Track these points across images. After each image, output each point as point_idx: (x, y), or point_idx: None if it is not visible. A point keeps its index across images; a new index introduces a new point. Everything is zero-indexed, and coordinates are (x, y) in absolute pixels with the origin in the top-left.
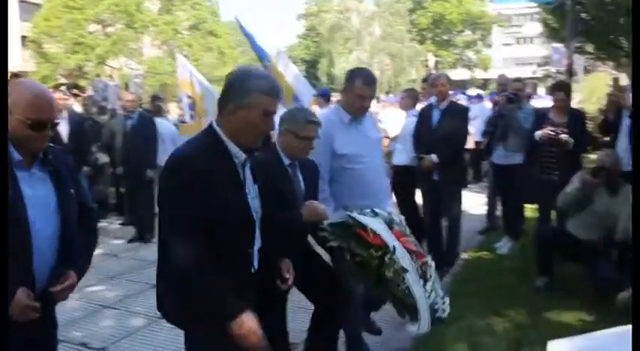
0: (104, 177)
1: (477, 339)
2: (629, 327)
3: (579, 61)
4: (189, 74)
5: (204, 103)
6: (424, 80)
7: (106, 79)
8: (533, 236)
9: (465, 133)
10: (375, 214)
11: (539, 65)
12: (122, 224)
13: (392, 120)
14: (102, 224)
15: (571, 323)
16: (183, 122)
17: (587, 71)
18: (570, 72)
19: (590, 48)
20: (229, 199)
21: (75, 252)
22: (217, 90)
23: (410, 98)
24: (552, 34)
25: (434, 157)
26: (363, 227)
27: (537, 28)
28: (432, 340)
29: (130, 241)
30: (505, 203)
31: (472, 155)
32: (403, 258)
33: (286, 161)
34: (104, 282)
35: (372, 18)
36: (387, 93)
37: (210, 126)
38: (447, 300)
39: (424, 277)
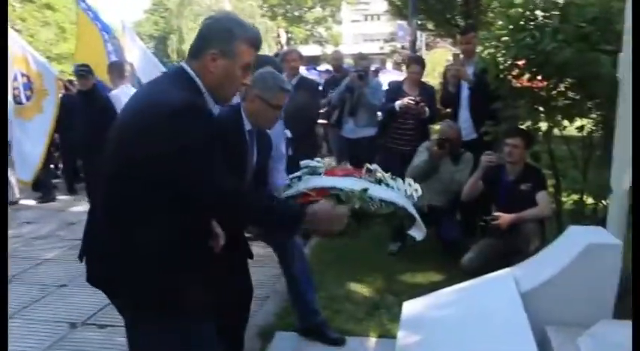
0: None
1: (338, 306)
2: (471, 282)
3: (421, 37)
4: (22, 49)
5: (43, 82)
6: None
7: None
8: None
9: (317, 108)
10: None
11: (386, 41)
12: None
13: None
14: None
15: (423, 283)
16: (19, 104)
17: (428, 47)
18: (414, 48)
19: (430, 25)
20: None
21: None
22: (57, 68)
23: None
24: (397, 11)
25: (287, 132)
26: (303, 194)
27: (383, 5)
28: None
29: None
30: None
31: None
32: (352, 185)
33: (247, 127)
34: None
35: None
36: None
37: (184, 71)
38: (412, 183)
39: (379, 182)
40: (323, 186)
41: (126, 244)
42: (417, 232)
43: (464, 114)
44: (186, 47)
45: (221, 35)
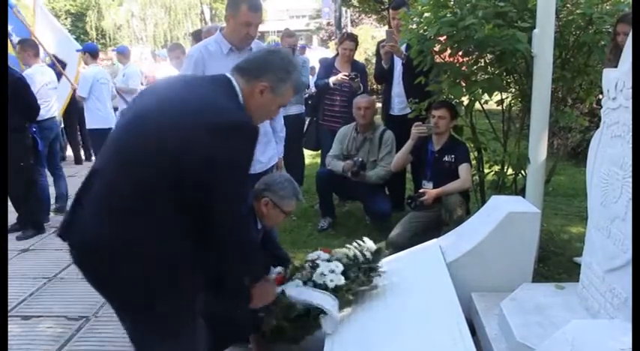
0: None
1: None
2: (399, 254)
3: (347, 14)
4: None
5: None
6: (192, 34)
7: None
8: (315, 181)
9: None
10: None
11: (312, 18)
12: None
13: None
14: None
15: None
16: None
17: (354, 24)
18: (340, 24)
19: (355, 2)
20: None
21: None
22: None
23: (183, 54)
24: None
25: None
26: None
27: None
28: None
29: None
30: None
31: None
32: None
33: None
34: None
35: None
36: (163, 47)
37: (232, 86)
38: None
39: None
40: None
41: (127, 239)
42: (329, 325)
43: (396, 89)
44: (105, 24)
45: (278, 73)
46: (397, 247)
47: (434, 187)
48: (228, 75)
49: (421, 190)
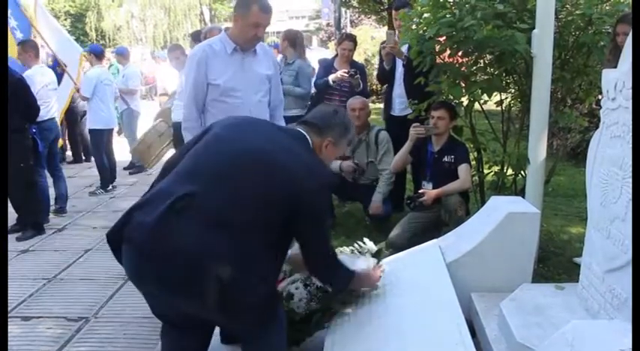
0: None
1: None
2: (399, 255)
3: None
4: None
5: None
6: (192, 35)
7: None
8: None
9: None
10: None
11: (311, 18)
12: None
13: (167, 77)
14: None
15: None
16: None
17: (353, 24)
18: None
19: (355, 2)
20: None
21: None
22: None
23: (183, 55)
24: None
25: None
26: None
27: None
28: None
29: None
30: None
31: None
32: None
33: None
34: None
35: None
36: (163, 48)
37: (309, 143)
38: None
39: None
40: None
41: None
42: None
43: (397, 90)
44: (105, 25)
45: (340, 130)
46: (397, 247)
47: (433, 188)
48: (301, 130)
49: (421, 191)
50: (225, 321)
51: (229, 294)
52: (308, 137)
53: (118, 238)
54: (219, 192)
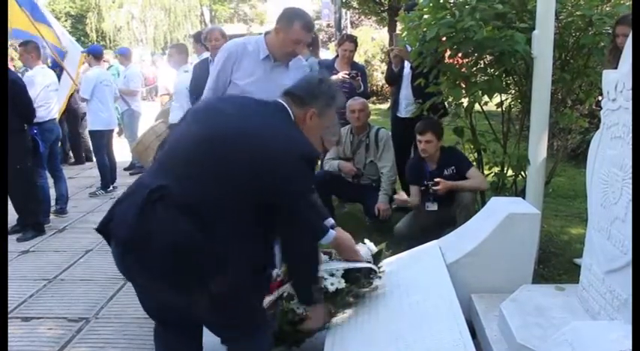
0: None
1: None
2: (399, 255)
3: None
4: None
5: None
6: (193, 36)
7: None
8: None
9: None
10: None
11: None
12: None
13: (167, 77)
14: None
15: None
16: None
17: (354, 25)
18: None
19: (355, 3)
20: None
21: None
22: None
23: (178, 54)
24: None
25: None
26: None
27: None
28: None
29: None
30: None
31: None
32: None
33: None
34: None
35: None
36: (163, 49)
37: (289, 115)
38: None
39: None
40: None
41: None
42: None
43: (404, 92)
44: (105, 26)
45: (325, 100)
46: (403, 236)
47: (439, 206)
48: (282, 101)
49: (436, 180)
50: (210, 313)
51: (211, 280)
52: (289, 108)
53: (106, 232)
54: (189, 179)
